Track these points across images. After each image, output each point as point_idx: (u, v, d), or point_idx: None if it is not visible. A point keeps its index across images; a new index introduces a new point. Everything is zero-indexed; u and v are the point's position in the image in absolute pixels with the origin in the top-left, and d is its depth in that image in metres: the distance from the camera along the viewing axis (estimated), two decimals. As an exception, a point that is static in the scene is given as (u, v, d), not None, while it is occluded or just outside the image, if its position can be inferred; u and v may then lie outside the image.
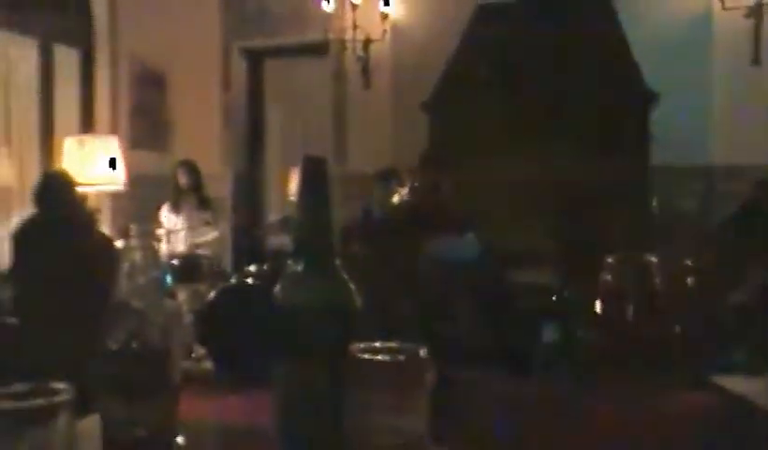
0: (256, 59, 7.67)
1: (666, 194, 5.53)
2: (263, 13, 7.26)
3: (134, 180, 5.97)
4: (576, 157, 5.25)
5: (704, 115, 5.72)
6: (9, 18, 5.76)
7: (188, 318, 5.02)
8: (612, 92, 5.38)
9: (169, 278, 5.42)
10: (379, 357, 0.81)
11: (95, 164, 5.54)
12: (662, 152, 5.33)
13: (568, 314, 5.06)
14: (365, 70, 6.74)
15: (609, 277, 4.67)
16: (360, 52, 6.70)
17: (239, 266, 6.05)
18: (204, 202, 6.20)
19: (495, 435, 1.56)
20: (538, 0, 5.82)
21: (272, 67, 7.73)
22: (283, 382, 0.87)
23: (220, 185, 7.07)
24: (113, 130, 6.46)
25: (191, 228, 5.99)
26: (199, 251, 5.85)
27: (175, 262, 5.62)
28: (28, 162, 6.02)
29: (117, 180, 5.69)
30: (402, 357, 0.81)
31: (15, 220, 4.72)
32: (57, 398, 0.73)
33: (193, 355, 4.39)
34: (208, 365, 3.58)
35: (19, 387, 0.73)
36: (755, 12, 5.57)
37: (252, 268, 5.48)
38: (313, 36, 6.88)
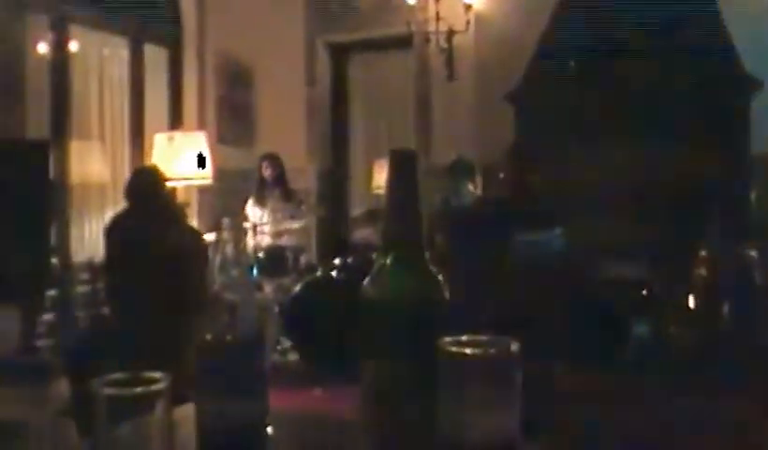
0: (340, 53, 7.72)
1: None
2: (347, 7, 7.30)
3: (221, 174, 6.08)
4: (669, 146, 5.09)
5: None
6: (102, 18, 5.94)
7: (274, 310, 5.11)
8: (711, 79, 5.20)
9: (255, 271, 5.54)
10: (470, 351, 0.80)
11: (183, 159, 5.66)
12: (763, 141, 5.12)
13: (660, 310, 4.93)
14: (449, 62, 6.70)
15: (703, 272, 4.55)
16: (443, 44, 6.67)
17: (324, 259, 6.11)
18: (289, 195, 6.28)
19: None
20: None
21: (355, 61, 7.77)
22: (373, 377, 0.87)
23: (304, 178, 7.15)
24: (201, 126, 6.60)
25: (276, 221, 6.07)
26: (284, 241, 5.93)
27: (261, 255, 5.71)
28: (120, 158, 6.21)
29: (205, 175, 5.80)
30: (493, 351, 0.79)
31: (109, 215, 4.87)
32: (155, 387, 0.75)
33: (279, 348, 4.44)
34: (294, 357, 3.61)
35: (117, 376, 0.75)
36: None
37: (337, 261, 5.52)
38: (396, 29, 6.88)
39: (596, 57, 5.47)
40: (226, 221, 0.95)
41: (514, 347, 0.83)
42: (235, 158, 6.84)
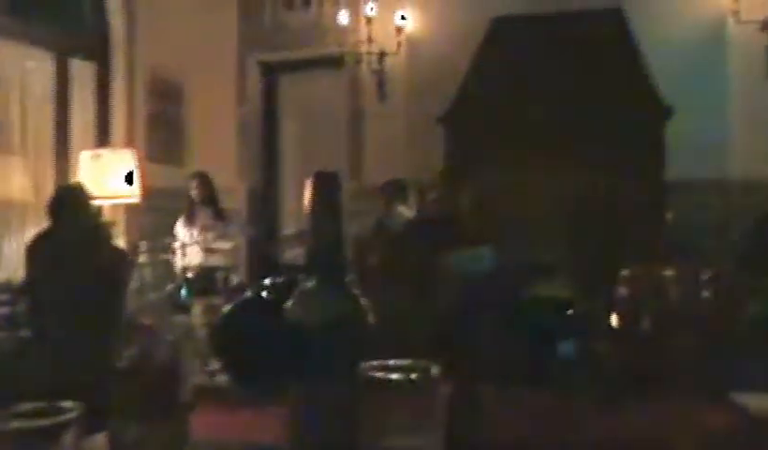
0: (272, 72, 7.70)
1: (683, 208, 5.49)
2: (279, 26, 7.29)
3: (150, 193, 5.98)
4: (593, 170, 5.23)
5: (721, 129, 5.69)
6: (25, 30, 5.80)
7: (203, 332, 5.03)
8: (628, 106, 5.36)
9: (184, 292, 5.45)
10: (391, 376, 0.80)
11: (110, 177, 5.55)
12: (679, 165, 5.30)
13: (586, 328, 5.03)
14: (381, 84, 6.75)
15: (625, 291, 4.65)
16: (375, 66, 6.70)
17: (254, 279, 6.05)
18: (219, 214, 6.20)
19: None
20: (553, 13, 5.82)
21: (287, 81, 7.76)
22: (296, 400, 0.86)
23: (235, 198, 7.09)
24: (129, 143, 6.48)
25: (206, 241, 5.99)
26: (214, 261, 5.85)
27: (190, 275, 5.63)
28: (43, 176, 6.05)
29: (133, 193, 5.70)
30: (414, 376, 0.79)
31: (30, 234, 4.73)
32: (63, 418, 0.72)
33: (207, 370, 4.37)
34: (223, 379, 3.58)
35: (26, 406, 0.72)
36: (768, 25, 5.56)
37: (267, 281, 5.48)
38: (328, 49, 6.90)
39: (523, 81, 5.60)
40: (143, 244, 0.93)
41: (435, 371, 0.83)
42: (165, 177, 6.74)
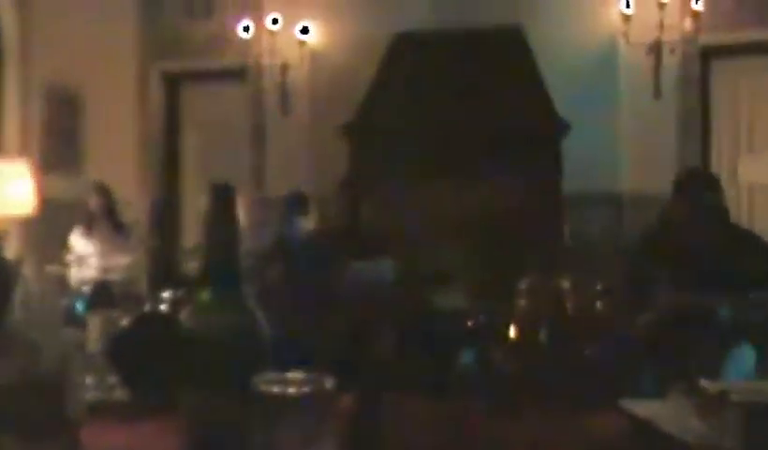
0: (173, 83, 7.58)
1: (578, 220, 5.67)
2: (181, 37, 7.19)
3: (45, 204, 5.80)
4: (491, 183, 5.35)
5: (612, 145, 5.91)
6: None
7: (100, 346, 4.89)
8: (527, 121, 5.51)
9: (79, 305, 5.29)
10: (284, 390, 0.80)
11: (3, 188, 5.37)
12: (574, 179, 5.48)
13: (484, 338, 5.12)
14: (283, 96, 6.73)
15: (522, 303, 4.77)
16: (277, 78, 6.68)
17: (154, 292, 5.92)
18: (118, 227, 6.05)
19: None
20: (454, 30, 5.93)
21: (189, 92, 7.65)
22: (189, 414, 0.86)
23: (135, 210, 6.93)
24: (23, 153, 6.27)
25: (103, 253, 5.84)
26: (112, 275, 5.71)
27: (86, 288, 5.47)
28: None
29: (27, 204, 5.52)
30: (307, 389, 0.80)
31: None
32: None
33: (104, 384, 4.25)
34: (120, 394, 3.49)
35: None
36: (655, 49, 5.81)
37: (167, 294, 5.37)
38: (231, 60, 6.84)
39: (423, 96, 5.69)
40: (29, 258, 0.91)
41: (329, 384, 0.84)
42: (61, 188, 6.54)
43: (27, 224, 6.06)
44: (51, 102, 6.86)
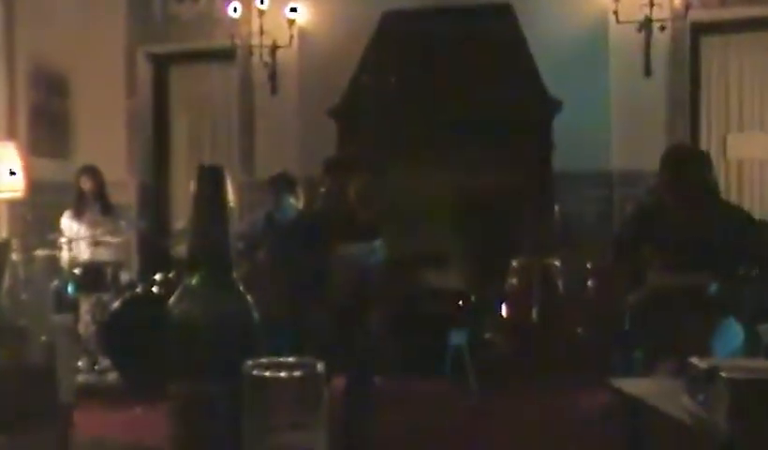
0: (161, 64, 7.53)
1: (569, 199, 5.68)
2: (169, 18, 7.14)
3: (34, 187, 5.78)
4: (482, 163, 5.35)
5: (603, 123, 5.91)
6: None
7: (92, 328, 4.87)
8: (516, 99, 5.50)
9: (71, 288, 5.28)
10: (275, 374, 0.80)
11: (-9, 171, 5.34)
12: (564, 157, 5.49)
13: (476, 317, 5.16)
14: (272, 76, 6.70)
15: (514, 281, 4.78)
16: (266, 59, 6.65)
17: (144, 275, 5.91)
18: (108, 210, 6.04)
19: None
20: (443, 9, 5.91)
21: (178, 73, 7.60)
22: (178, 399, 0.85)
23: (125, 192, 6.91)
24: (11, 136, 6.24)
25: (94, 236, 5.82)
26: (103, 257, 5.70)
27: (77, 271, 5.45)
28: None
29: (15, 187, 5.49)
30: (298, 373, 0.80)
31: None
32: None
33: (96, 368, 4.25)
34: (112, 377, 3.49)
35: None
36: (645, 26, 5.80)
37: (158, 277, 5.36)
38: (219, 41, 6.80)
39: (412, 75, 5.67)
40: (15, 242, 0.90)
41: (320, 368, 0.83)
42: (50, 170, 6.51)
43: (16, 207, 6.05)
44: (38, 85, 6.82)
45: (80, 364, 4.73)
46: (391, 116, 5.55)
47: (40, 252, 5.32)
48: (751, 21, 6.03)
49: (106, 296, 5.24)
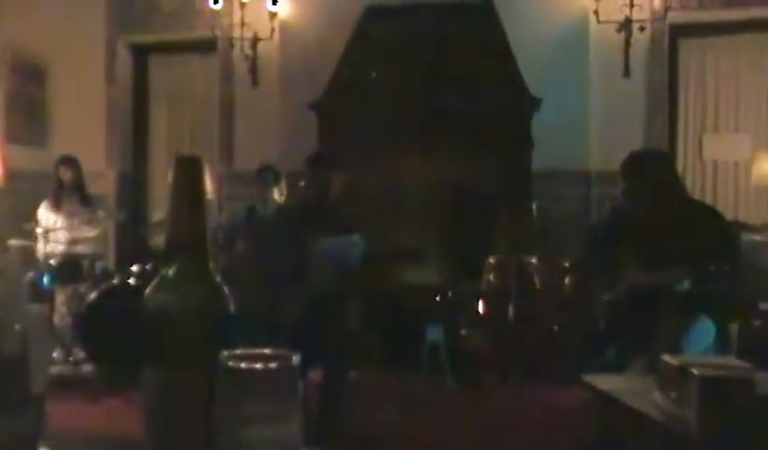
0: (141, 54, 7.49)
1: (547, 197, 5.71)
2: (150, 8, 7.09)
3: (11, 176, 5.73)
4: (461, 159, 5.37)
5: (582, 122, 5.94)
6: None
7: (67, 320, 4.83)
8: (495, 97, 5.52)
9: (46, 279, 5.24)
10: (250, 365, 0.80)
11: (-33, 159, 5.29)
12: (543, 156, 5.52)
13: (453, 313, 5.18)
14: (253, 69, 6.68)
15: (491, 278, 4.81)
16: (247, 51, 6.63)
17: (122, 266, 5.88)
18: (86, 201, 5.98)
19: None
20: (425, 6, 5.91)
21: (158, 64, 7.56)
22: (152, 390, 0.86)
23: (103, 183, 6.87)
24: (-13, 124, 6.18)
25: (71, 226, 5.78)
26: (80, 248, 5.66)
27: (53, 261, 5.41)
28: None
29: (-9, 176, 5.44)
30: (273, 365, 0.80)
31: None
32: None
33: (71, 359, 4.22)
34: (87, 368, 3.47)
35: None
36: (625, 27, 5.84)
37: (135, 268, 5.33)
38: (200, 32, 6.77)
39: (393, 70, 5.68)
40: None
41: (295, 360, 0.83)
42: (27, 159, 6.46)
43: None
44: (16, 73, 6.76)
45: (54, 355, 4.71)
46: (371, 111, 5.56)
47: (15, 242, 5.28)
48: (728, 24, 6.10)
49: (82, 287, 5.21)
